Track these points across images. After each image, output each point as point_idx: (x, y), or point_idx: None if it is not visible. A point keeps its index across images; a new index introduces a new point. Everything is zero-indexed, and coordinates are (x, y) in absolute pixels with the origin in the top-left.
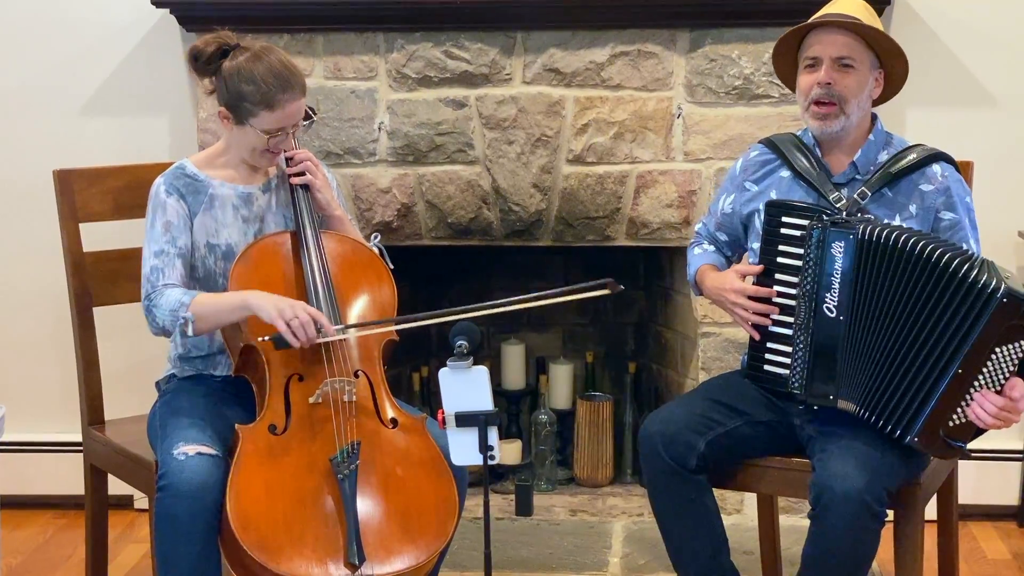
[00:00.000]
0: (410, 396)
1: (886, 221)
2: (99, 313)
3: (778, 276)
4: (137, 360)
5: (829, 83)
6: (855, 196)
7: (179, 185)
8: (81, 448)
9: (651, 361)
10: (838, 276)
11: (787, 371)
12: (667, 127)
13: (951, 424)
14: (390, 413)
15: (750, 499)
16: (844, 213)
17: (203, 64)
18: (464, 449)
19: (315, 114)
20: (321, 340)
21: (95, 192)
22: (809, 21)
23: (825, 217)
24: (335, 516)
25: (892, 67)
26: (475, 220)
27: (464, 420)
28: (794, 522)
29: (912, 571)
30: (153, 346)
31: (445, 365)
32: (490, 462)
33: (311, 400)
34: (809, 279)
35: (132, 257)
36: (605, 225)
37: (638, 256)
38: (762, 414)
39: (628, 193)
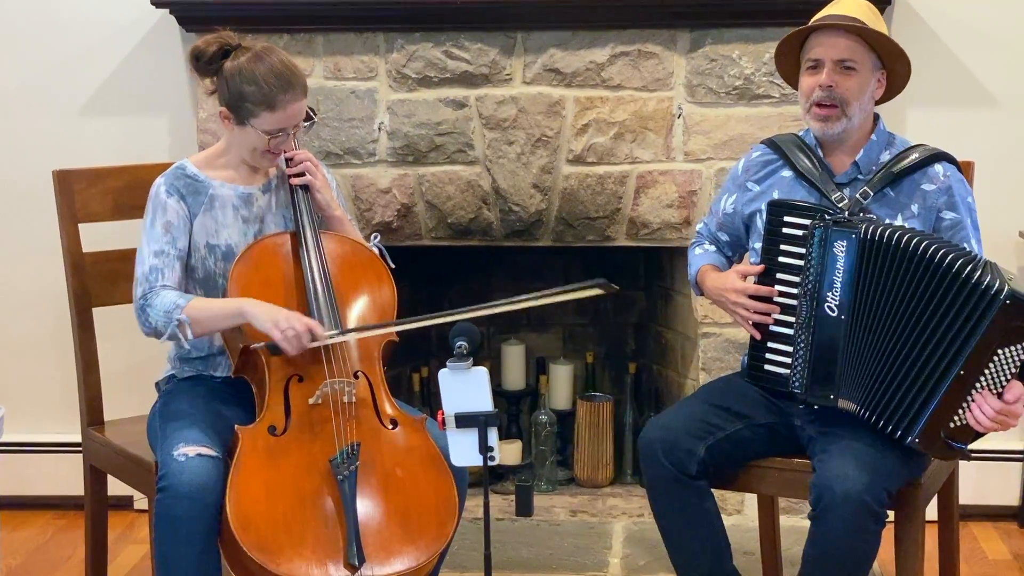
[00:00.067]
0: (410, 396)
1: (888, 221)
2: (98, 314)
3: (780, 276)
4: (136, 361)
5: (831, 86)
6: (857, 196)
7: (179, 186)
8: (81, 449)
9: (651, 361)
10: (840, 276)
11: (787, 371)
12: (667, 127)
13: (952, 425)
14: (390, 414)
15: (750, 500)
16: (846, 213)
17: (205, 64)
18: (464, 450)
19: (315, 115)
20: (312, 345)
21: (95, 192)
22: (811, 23)
23: (827, 217)
24: (335, 517)
25: (894, 68)
26: (475, 220)
27: (464, 421)
28: (795, 522)
29: (913, 571)
30: (153, 347)
31: (445, 366)
32: (490, 463)
33: (311, 401)
34: (811, 278)
35: (132, 258)
36: (605, 225)
37: (638, 256)
38: (762, 417)
39: (628, 193)
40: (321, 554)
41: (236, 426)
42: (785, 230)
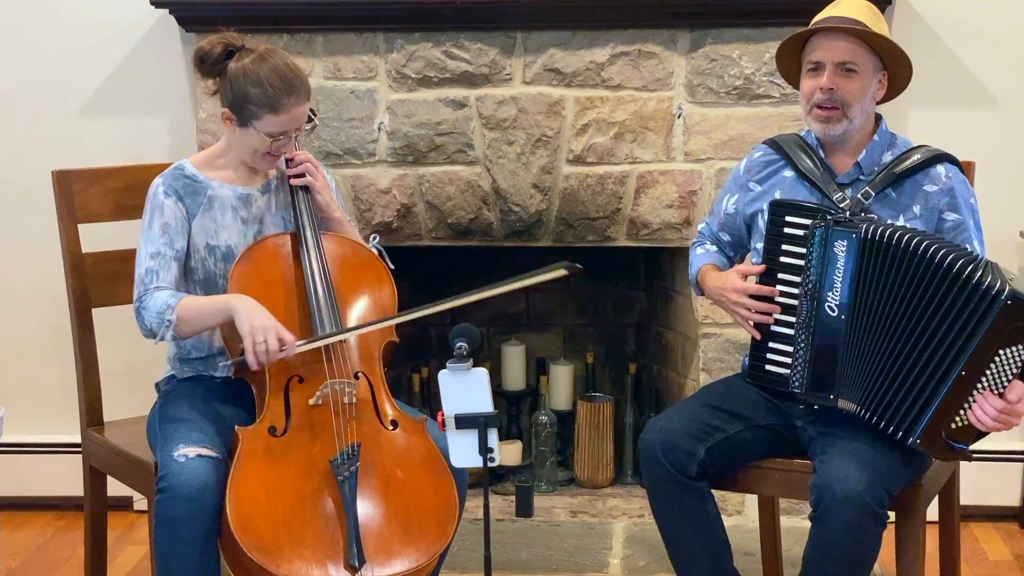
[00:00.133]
0: (410, 397)
1: (889, 221)
2: (98, 314)
3: (781, 275)
4: (136, 361)
5: (832, 88)
6: (859, 196)
7: (178, 186)
8: (80, 449)
9: (652, 362)
10: (840, 276)
11: (788, 371)
12: (667, 127)
13: (954, 426)
14: (390, 414)
15: (751, 500)
16: (847, 213)
17: (209, 66)
18: (464, 451)
19: (315, 116)
20: (280, 357)
21: (94, 193)
22: (812, 25)
23: (828, 216)
24: (335, 518)
25: (895, 69)
26: (475, 221)
27: (464, 422)
28: (795, 523)
29: (914, 572)
30: (152, 347)
31: (445, 366)
32: (490, 464)
33: (311, 402)
34: (811, 278)
35: (131, 258)
36: (605, 225)
37: (639, 257)
38: (763, 418)
39: (628, 193)
40: (321, 555)
41: (236, 427)
42: (786, 230)
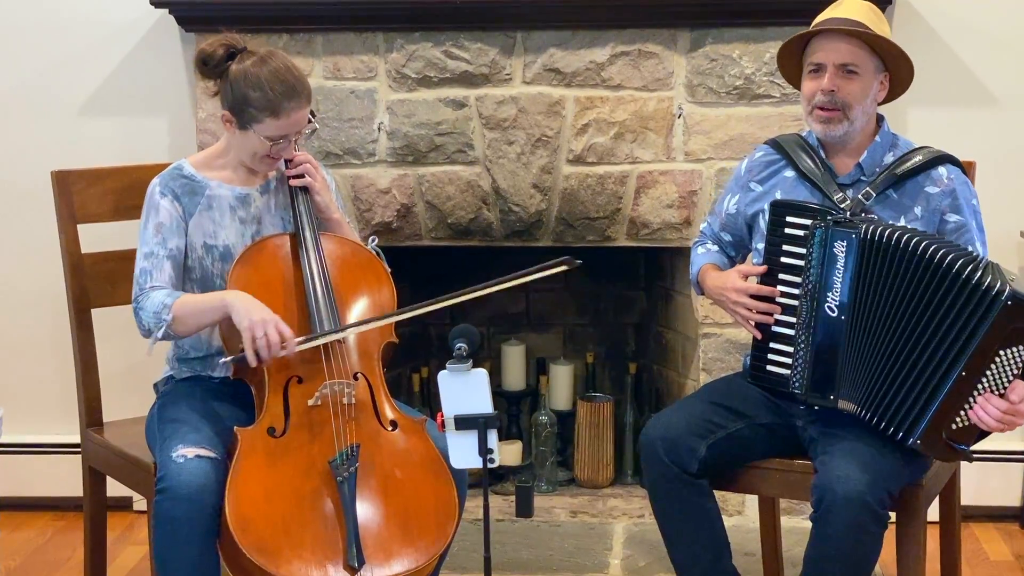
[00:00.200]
0: (410, 397)
1: (890, 222)
2: (97, 314)
3: (781, 276)
4: (135, 361)
5: (833, 90)
6: (859, 197)
7: (175, 186)
8: (80, 450)
9: (652, 362)
10: (840, 276)
11: (788, 371)
12: (668, 127)
13: (954, 427)
14: (389, 415)
15: (751, 500)
16: (848, 213)
17: (211, 68)
18: (464, 452)
19: (314, 117)
20: (280, 355)
21: (94, 193)
22: (812, 27)
23: (829, 217)
24: (334, 519)
25: (897, 71)
26: (475, 221)
27: (463, 423)
28: (796, 523)
29: (914, 573)
30: (152, 348)
31: (444, 367)
32: (490, 465)
33: (310, 402)
34: (811, 279)
35: (131, 258)
36: (606, 225)
37: (639, 256)
38: (764, 416)
39: (629, 193)
40: (320, 556)
41: (235, 428)
42: (787, 230)
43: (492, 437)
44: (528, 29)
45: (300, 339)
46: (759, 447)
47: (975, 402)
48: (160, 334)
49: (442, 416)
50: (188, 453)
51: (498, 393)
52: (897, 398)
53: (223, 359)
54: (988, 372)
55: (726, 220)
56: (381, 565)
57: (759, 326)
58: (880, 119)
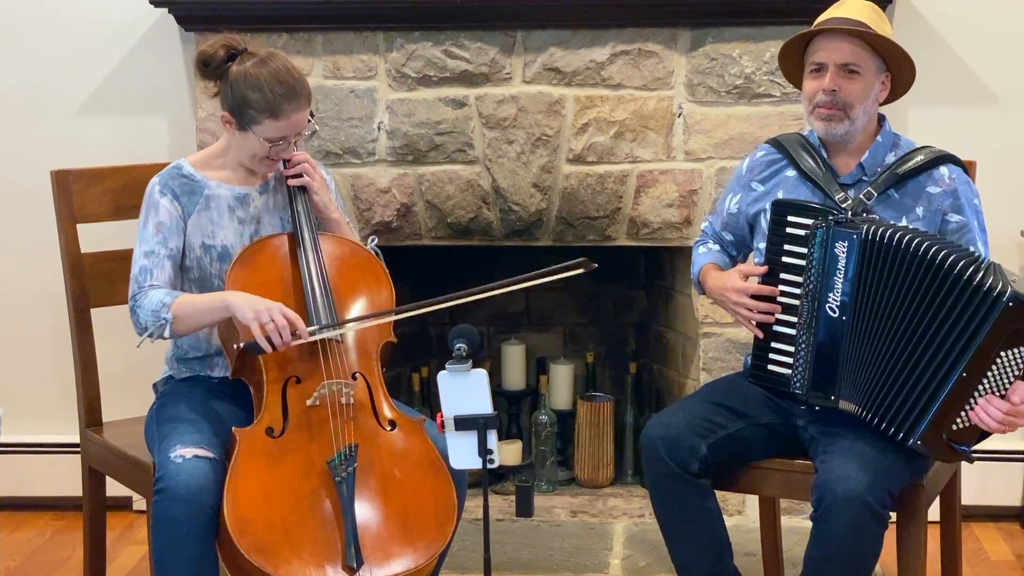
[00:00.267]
0: (410, 397)
1: (891, 222)
2: (97, 314)
3: (783, 276)
4: (135, 362)
5: (834, 90)
6: (861, 197)
7: (174, 185)
8: (79, 450)
9: (652, 361)
10: (841, 276)
11: (789, 371)
12: (668, 126)
13: (955, 428)
14: (388, 415)
15: (752, 500)
16: (849, 213)
17: (212, 69)
18: (463, 453)
19: (312, 117)
20: (295, 343)
21: (93, 193)
22: (815, 26)
23: (830, 217)
24: (333, 519)
25: (899, 71)
26: (475, 220)
27: (463, 424)
28: (796, 523)
29: (915, 572)
30: (151, 348)
31: (444, 367)
32: (489, 466)
33: (308, 403)
34: (812, 279)
35: (130, 258)
36: (606, 225)
37: (639, 256)
38: (765, 416)
39: (629, 193)
40: (319, 556)
41: (233, 428)
42: (788, 230)
43: (492, 438)
44: (528, 28)
45: (312, 328)
46: (760, 447)
47: (976, 403)
48: (157, 333)
49: (442, 417)
50: (187, 453)
51: (498, 393)
52: (898, 399)
53: (236, 345)
54: (989, 373)
55: (727, 219)
56: (380, 565)
57: (760, 326)
58: (882, 119)
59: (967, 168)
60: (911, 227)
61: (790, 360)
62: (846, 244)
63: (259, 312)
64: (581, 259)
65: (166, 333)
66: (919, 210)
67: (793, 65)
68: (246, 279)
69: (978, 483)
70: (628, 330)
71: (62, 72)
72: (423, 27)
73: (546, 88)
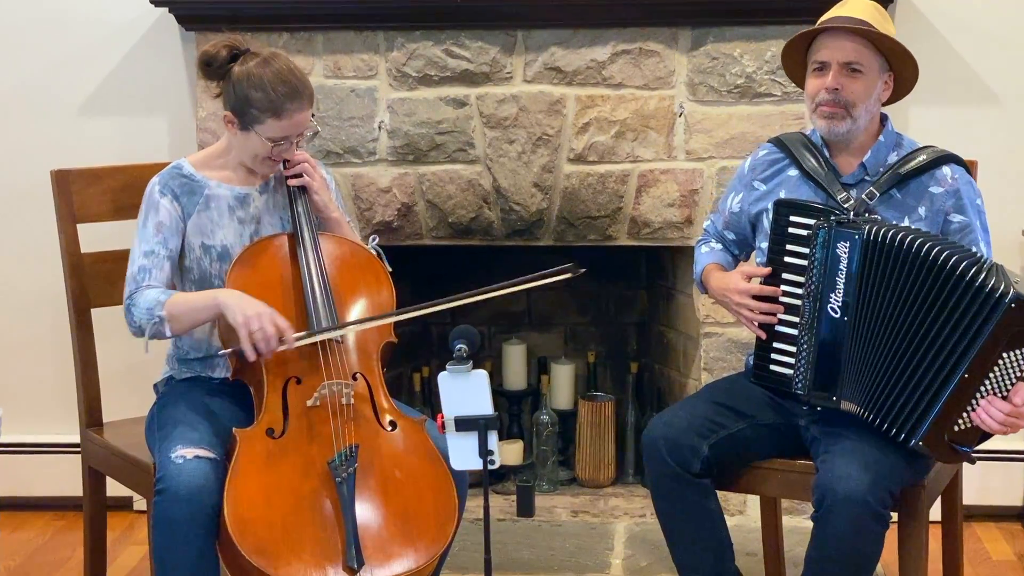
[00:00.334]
0: (411, 396)
1: (894, 223)
2: (97, 314)
3: (785, 276)
4: (135, 362)
5: (837, 88)
6: (863, 197)
7: (174, 185)
8: (79, 450)
9: (653, 361)
10: (843, 276)
11: (791, 371)
12: (669, 126)
13: (956, 429)
14: (388, 416)
15: (753, 500)
16: (851, 214)
17: (214, 69)
18: (464, 453)
19: (312, 118)
20: (281, 349)
21: (93, 192)
22: (818, 25)
23: (832, 217)
24: (333, 520)
25: (901, 71)
26: (476, 220)
27: (464, 424)
28: (797, 523)
29: (916, 572)
30: (151, 348)
31: (445, 367)
32: (490, 467)
33: (309, 403)
34: (814, 279)
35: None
36: (607, 224)
37: (640, 255)
38: (766, 416)
39: (630, 192)
40: (320, 557)
41: (234, 429)
42: (790, 230)
43: (492, 438)
44: (529, 28)
45: (299, 334)
46: (761, 447)
47: (978, 404)
48: (151, 331)
49: (442, 417)
50: (187, 454)
51: (499, 392)
52: (900, 399)
53: (221, 351)
54: (991, 374)
55: (729, 218)
56: (381, 566)
57: (762, 326)
58: (884, 119)
59: (969, 168)
60: (913, 227)
61: (792, 360)
62: (848, 244)
63: (249, 318)
64: (569, 264)
65: (167, 332)
66: (921, 210)
67: (796, 64)
68: (246, 279)
69: (979, 483)
70: (629, 330)
71: (62, 72)
72: (424, 26)
73: (547, 87)
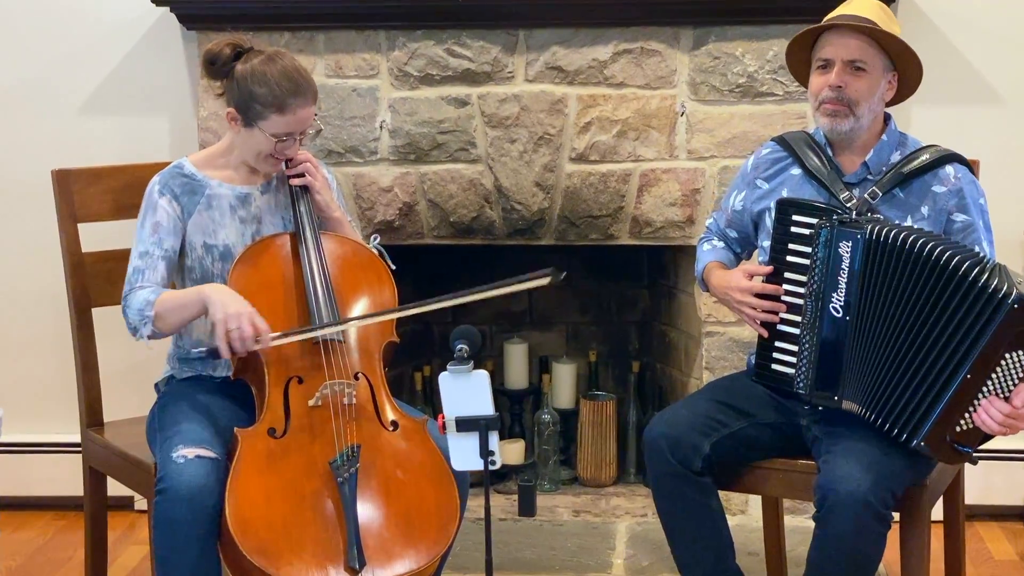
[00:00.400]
0: (412, 396)
1: (896, 222)
2: (98, 314)
3: (787, 275)
4: (136, 361)
5: (840, 86)
6: (866, 196)
7: (174, 185)
8: (80, 449)
9: (655, 360)
10: (845, 276)
11: (793, 370)
12: (670, 125)
13: (958, 429)
14: (390, 415)
15: (755, 500)
16: (854, 213)
17: (218, 68)
18: (465, 454)
19: (316, 113)
20: (256, 347)
21: (94, 192)
22: (823, 23)
23: (834, 217)
24: (335, 520)
25: (905, 70)
26: (477, 219)
27: (465, 425)
28: (799, 523)
29: (918, 572)
30: (152, 347)
31: (446, 367)
32: (491, 467)
33: (310, 403)
34: (816, 278)
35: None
36: (608, 224)
37: (641, 255)
38: (768, 415)
39: (631, 192)
40: (321, 557)
41: (235, 429)
42: (793, 229)
43: (493, 439)
44: (530, 27)
45: (276, 334)
46: (763, 446)
47: (979, 405)
48: (145, 331)
49: (443, 418)
50: (188, 453)
51: (500, 392)
52: (901, 400)
53: (195, 349)
54: (993, 375)
55: (732, 217)
56: (382, 566)
57: (764, 325)
58: (887, 118)
59: (972, 167)
60: (916, 227)
61: (794, 359)
62: (850, 244)
63: (228, 316)
64: (550, 268)
65: (160, 330)
66: (924, 209)
67: (800, 62)
68: (248, 279)
69: (981, 483)
70: (631, 329)
71: (63, 71)
72: (425, 26)
73: (548, 87)
